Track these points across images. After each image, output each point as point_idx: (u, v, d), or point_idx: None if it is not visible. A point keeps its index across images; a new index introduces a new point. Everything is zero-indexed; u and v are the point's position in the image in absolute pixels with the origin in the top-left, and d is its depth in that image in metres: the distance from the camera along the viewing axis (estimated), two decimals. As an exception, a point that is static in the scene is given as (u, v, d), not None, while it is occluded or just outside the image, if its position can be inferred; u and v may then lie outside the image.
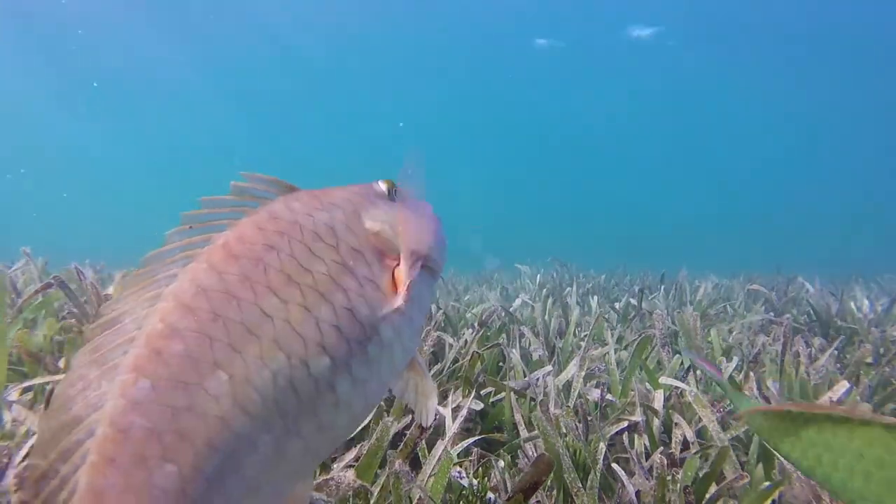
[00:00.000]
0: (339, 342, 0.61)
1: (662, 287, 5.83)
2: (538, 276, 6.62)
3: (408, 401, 0.79)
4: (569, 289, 5.34)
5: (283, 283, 0.59)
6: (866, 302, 4.72)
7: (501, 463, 1.78)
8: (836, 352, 2.86)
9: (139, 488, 0.45)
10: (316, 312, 0.60)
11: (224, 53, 28.32)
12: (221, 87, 32.91)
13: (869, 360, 2.76)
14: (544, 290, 5.36)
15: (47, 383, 1.81)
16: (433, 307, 3.37)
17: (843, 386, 2.06)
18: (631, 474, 1.68)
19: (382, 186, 0.81)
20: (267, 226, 0.64)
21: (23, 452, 1.35)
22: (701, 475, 1.60)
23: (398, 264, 0.72)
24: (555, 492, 1.58)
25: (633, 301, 4.82)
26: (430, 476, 1.50)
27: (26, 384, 1.80)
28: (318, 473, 1.61)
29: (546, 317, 3.68)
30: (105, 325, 0.55)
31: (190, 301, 0.55)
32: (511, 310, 3.83)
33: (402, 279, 0.70)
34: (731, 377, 2.51)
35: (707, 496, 1.57)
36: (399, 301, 0.69)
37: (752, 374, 2.50)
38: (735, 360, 2.60)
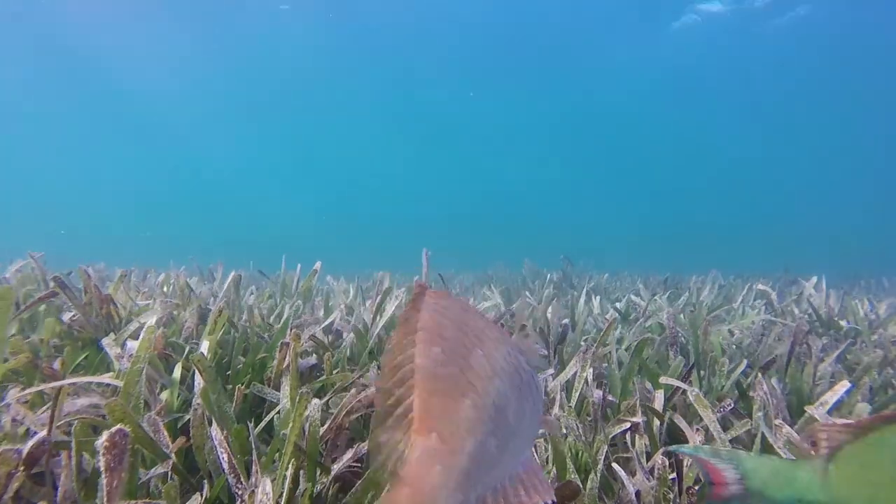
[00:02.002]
0: (522, 370, 0.82)
1: (668, 293, 5.82)
2: (547, 274, 6.62)
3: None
4: (573, 292, 5.34)
5: (482, 325, 0.81)
6: (866, 303, 4.71)
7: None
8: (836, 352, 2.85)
9: (454, 410, 0.63)
10: (501, 363, 0.77)
11: (222, 59, 28.29)
12: (223, 94, 32.95)
13: (879, 361, 2.74)
14: (547, 290, 5.35)
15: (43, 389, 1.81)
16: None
17: (843, 386, 2.05)
18: (632, 474, 1.68)
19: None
20: (446, 300, 0.83)
21: (27, 448, 1.35)
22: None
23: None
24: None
25: (635, 298, 4.81)
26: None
27: (25, 392, 1.80)
28: (319, 474, 1.60)
29: (549, 316, 3.67)
30: (403, 323, 0.74)
31: (441, 312, 0.76)
32: (513, 308, 3.83)
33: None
34: (738, 382, 2.49)
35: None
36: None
37: (760, 377, 2.48)
38: (744, 363, 2.58)
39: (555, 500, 1.51)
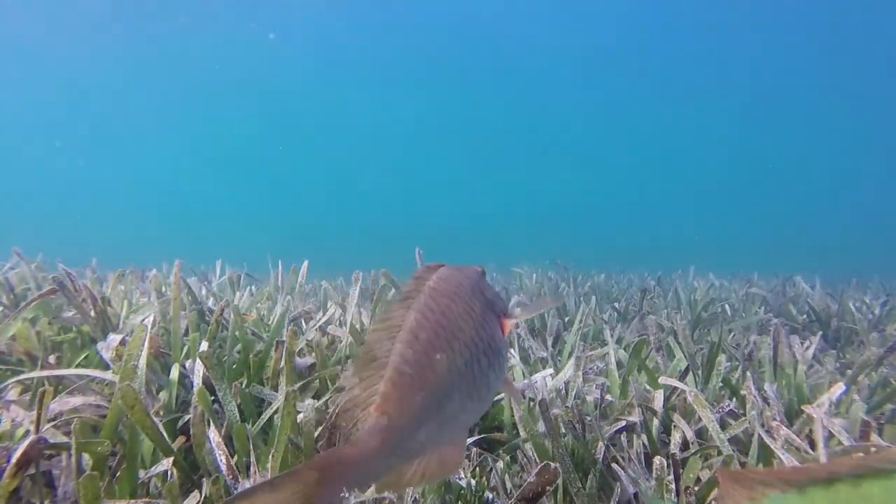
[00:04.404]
0: (490, 351, 1.06)
1: (658, 287, 5.82)
2: (534, 275, 6.60)
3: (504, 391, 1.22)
4: (568, 289, 5.34)
5: (463, 314, 1.03)
6: (863, 302, 4.72)
7: (500, 464, 1.78)
8: (833, 351, 2.85)
9: (406, 400, 0.87)
10: (480, 332, 1.04)
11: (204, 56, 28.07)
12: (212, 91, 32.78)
13: (874, 360, 2.74)
14: (542, 290, 5.35)
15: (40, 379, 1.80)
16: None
17: (839, 388, 2.05)
18: (629, 474, 1.68)
19: (480, 269, 1.28)
20: (444, 284, 1.07)
21: (19, 453, 1.34)
22: (704, 479, 1.60)
23: (499, 317, 1.19)
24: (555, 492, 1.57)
25: (635, 296, 4.81)
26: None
27: (20, 378, 1.79)
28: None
29: (545, 317, 3.68)
30: (384, 319, 0.98)
31: (425, 314, 0.98)
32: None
33: (507, 326, 1.19)
34: (727, 378, 2.50)
35: (709, 499, 1.56)
36: (506, 336, 1.18)
37: (748, 373, 2.48)
38: (736, 361, 2.59)
39: (461, 475, 1.61)
